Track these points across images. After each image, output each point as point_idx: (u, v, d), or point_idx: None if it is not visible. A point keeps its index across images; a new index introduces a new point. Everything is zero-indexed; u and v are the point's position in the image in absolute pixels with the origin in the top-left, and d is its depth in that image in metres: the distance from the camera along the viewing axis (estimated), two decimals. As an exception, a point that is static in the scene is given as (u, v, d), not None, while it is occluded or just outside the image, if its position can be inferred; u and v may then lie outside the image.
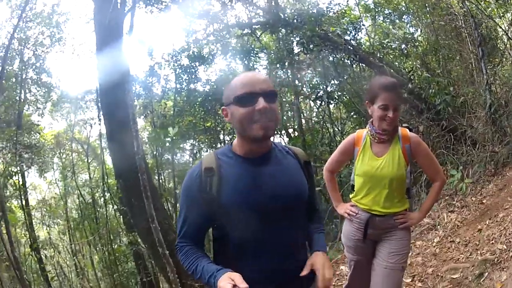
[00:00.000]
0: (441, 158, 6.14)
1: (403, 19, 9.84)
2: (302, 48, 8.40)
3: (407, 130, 2.37)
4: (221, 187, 1.46)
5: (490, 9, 8.22)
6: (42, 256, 12.18)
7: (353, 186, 2.51)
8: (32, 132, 12.81)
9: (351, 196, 2.52)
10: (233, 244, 1.50)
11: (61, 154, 15.08)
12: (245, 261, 1.48)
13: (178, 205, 11.22)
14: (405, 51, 9.05)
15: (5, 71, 9.29)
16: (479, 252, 4.08)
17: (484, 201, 5.28)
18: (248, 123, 1.42)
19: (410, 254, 4.36)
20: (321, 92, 9.01)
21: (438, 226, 5.10)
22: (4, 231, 6.41)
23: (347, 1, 9.66)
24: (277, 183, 1.49)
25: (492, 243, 4.08)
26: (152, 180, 9.73)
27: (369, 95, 2.32)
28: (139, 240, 10.11)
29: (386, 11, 9.72)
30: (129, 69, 6.17)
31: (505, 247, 3.82)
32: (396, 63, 9.19)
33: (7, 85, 10.95)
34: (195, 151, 11.50)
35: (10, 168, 10.68)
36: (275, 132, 1.67)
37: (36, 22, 11.50)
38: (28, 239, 11.91)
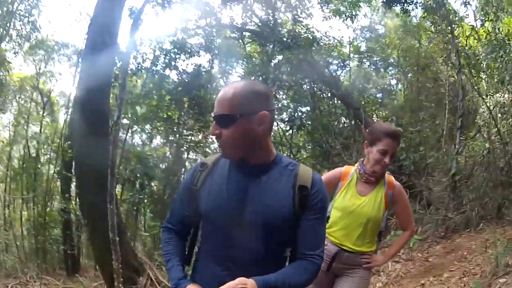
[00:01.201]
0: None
1: (388, 70, 9.94)
2: (288, 69, 8.36)
3: (393, 177, 2.47)
4: (205, 183, 1.47)
5: (480, 85, 8.46)
6: None
7: (328, 217, 2.47)
8: (2, 68, 12.22)
9: None
10: (199, 243, 1.55)
11: (20, 100, 14.47)
12: (204, 265, 1.49)
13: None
14: (381, 100, 9.13)
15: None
16: (419, 306, 4.16)
17: (430, 259, 5.46)
18: None
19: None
20: (292, 117, 8.95)
21: (382, 273, 5.25)
22: None
23: (341, 37, 9.64)
24: (252, 198, 1.40)
25: (434, 300, 4.18)
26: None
27: (370, 137, 2.39)
28: (75, 211, 9.70)
29: (375, 58, 9.78)
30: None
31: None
32: (370, 110, 9.26)
33: None
34: (147, 136, 11.27)
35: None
36: (237, 154, 1.42)
37: None
38: None
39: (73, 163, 8.88)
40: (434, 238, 6.18)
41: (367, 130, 2.57)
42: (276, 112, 9.80)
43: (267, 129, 1.39)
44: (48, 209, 12.23)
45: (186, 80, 9.39)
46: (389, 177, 2.45)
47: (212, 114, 1.42)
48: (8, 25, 11.93)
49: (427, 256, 5.59)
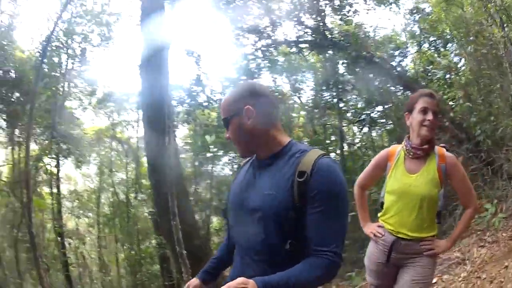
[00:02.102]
0: (478, 191, 5.94)
1: (447, 48, 9.64)
2: (347, 70, 8.37)
3: (444, 149, 2.26)
4: (234, 180, 1.64)
5: None
6: (66, 244, 12.47)
7: (382, 203, 2.40)
8: (72, 125, 13.30)
9: (379, 215, 2.42)
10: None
11: (100, 150, 15.45)
12: (234, 258, 1.60)
13: (211, 217, 11.29)
14: (449, 80, 8.87)
15: (45, 57, 9.63)
16: (503, 289, 3.95)
17: None
18: None
19: (435, 288, 4.22)
20: (364, 116, 8.95)
21: (467, 261, 4.96)
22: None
23: (394, 26, 9.59)
24: (255, 189, 1.46)
25: (517, 282, 3.95)
26: (185, 185, 9.78)
27: (408, 106, 2.30)
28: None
29: (431, 38, 9.56)
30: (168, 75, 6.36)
31: (531, 288, 3.68)
32: (440, 93, 9.01)
33: (50, 75, 11.36)
34: (233, 165, 11.49)
35: (44, 152, 11.04)
36: (246, 151, 1.55)
37: (86, 19, 12.00)
38: (54, 226, 12.21)
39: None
40: (519, 214, 5.68)
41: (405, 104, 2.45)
42: (351, 116, 9.91)
43: (259, 121, 1.44)
44: (143, 246, 12.91)
45: None
46: (440, 149, 2.24)
47: None
48: (68, 84, 12.97)
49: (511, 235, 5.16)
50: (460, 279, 4.64)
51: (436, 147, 2.25)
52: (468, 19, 8.80)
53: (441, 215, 2.29)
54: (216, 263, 1.80)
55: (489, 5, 7.76)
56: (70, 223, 15.29)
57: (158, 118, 5.77)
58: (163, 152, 5.03)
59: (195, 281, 1.75)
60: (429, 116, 2.15)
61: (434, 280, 4.52)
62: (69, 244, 13.26)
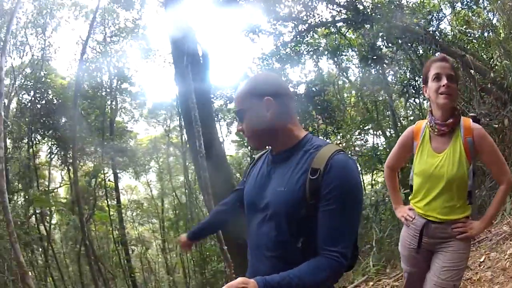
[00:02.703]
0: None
1: (479, 4, 9.01)
2: (383, 42, 8.13)
3: (471, 120, 2.07)
4: (248, 177, 1.59)
5: None
6: (129, 252, 12.99)
7: (411, 186, 2.27)
8: (124, 138, 13.90)
9: (410, 198, 2.29)
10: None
11: (158, 158, 16.00)
12: (249, 256, 1.55)
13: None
14: (486, 38, 8.28)
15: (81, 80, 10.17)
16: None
17: None
18: None
19: (481, 267, 3.98)
20: (409, 87, 8.60)
21: None
22: (93, 228, 7.09)
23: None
24: (269, 185, 1.43)
25: None
26: (231, 178, 9.72)
27: (423, 77, 2.15)
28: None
29: (462, -4, 9.01)
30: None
31: None
32: (479, 52, 8.48)
33: (95, 96, 12.04)
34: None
35: (99, 169, 11.54)
36: (260, 143, 1.51)
37: (121, 36, 12.55)
38: (118, 236, 12.72)
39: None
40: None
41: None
42: (395, 87, 9.59)
43: (278, 114, 1.38)
44: (208, 245, 13.26)
45: (307, 88, 9.69)
46: (465, 120, 2.06)
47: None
48: (115, 101, 13.60)
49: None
50: (506, 256, 4.16)
51: (462, 118, 2.08)
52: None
53: (472, 195, 2.11)
54: (205, 225, 1.92)
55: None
56: (132, 232, 15.91)
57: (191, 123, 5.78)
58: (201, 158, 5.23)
59: (184, 237, 1.87)
60: (443, 81, 2.00)
61: (481, 259, 4.24)
62: (132, 251, 13.77)
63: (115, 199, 13.16)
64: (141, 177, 15.97)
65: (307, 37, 9.97)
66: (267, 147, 1.53)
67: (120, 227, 12.72)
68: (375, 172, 11.63)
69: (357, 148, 10.35)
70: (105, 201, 13.17)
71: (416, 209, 2.18)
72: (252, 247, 1.50)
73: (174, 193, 14.79)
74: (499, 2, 8.36)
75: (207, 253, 13.14)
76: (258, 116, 1.39)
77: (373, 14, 8.19)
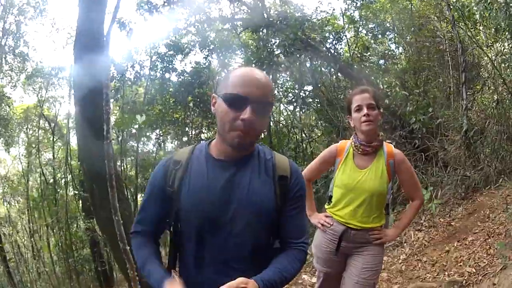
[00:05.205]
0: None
1: (386, 35, 9.82)
2: (282, 51, 8.27)
3: (392, 146, 2.37)
4: (182, 183, 1.38)
5: (478, 37, 8.26)
6: (0, 234, 11.88)
7: (330, 197, 2.47)
8: (3, 104, 12.45)
9: (326, 206, 2.49)
10: (181, 247, 1.44)
11: (28, 130, 14.67)
12: (188, 268, 1.41)
13: (138, 194, 10.98)
14: (384, 66, 9.01)
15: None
16: (446, 273, 4.13)
17: (452, 223, 5.32)
18: (228, 127, 1.29)
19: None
20: (295, 97, 8.90)
21: (405, 244, 5.13)
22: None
23: (333, 10, 9.59)
24: (237, 193, 1.35)
25: (460, 265, 4.13)
26: (116, 168, 9.41)
27: (347, 109, 2.37)
28: (97, 228, 9.84)
29: (370, 25, 9.68)
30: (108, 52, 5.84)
31: (474, 270, 3.90)
32: (373, 78, 9.17)
33: None
34: (160, 141, 11.35)
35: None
36: (252, 144, 1.40)
37: None
38: None
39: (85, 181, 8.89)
40: (455, 200, 5.94)
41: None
42: (281, 95, 9.81)
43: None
44: (73, 231, 12.35)
45: (187, 80, 9.41)
46: (388, 146, 2.34)
47: (240, 94, 1.26)
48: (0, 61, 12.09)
49: (450, 221, 5.42)
50: (400, 261, 4.80)
51: (384, 143, 2.35)
52: (414, 11, 9.01)
53: (389, 207, 2.43)
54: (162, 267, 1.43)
55: (442, 3, 7.95)
56: (2, 210, 14.69)
57: (94, 105, 5.21)
58: (100, 142, 4.61)
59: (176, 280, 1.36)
60: (364, 111, 2.22)
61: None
62: (3, 234, 12.60)
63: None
64: (10, 149, 14.24)
65: (201, 28, 9.64)
66: (244, 150, 1.37)
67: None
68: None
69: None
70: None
71: (336, 217, 2.38)
72: (213, 262, 1.37)
73: (40, 170, 13.40)
74: (412, 39, 9.09)
75: (73, 239, 12.34)
76: (268, 116, 1.40)
77: (278, 22, 8.20)
